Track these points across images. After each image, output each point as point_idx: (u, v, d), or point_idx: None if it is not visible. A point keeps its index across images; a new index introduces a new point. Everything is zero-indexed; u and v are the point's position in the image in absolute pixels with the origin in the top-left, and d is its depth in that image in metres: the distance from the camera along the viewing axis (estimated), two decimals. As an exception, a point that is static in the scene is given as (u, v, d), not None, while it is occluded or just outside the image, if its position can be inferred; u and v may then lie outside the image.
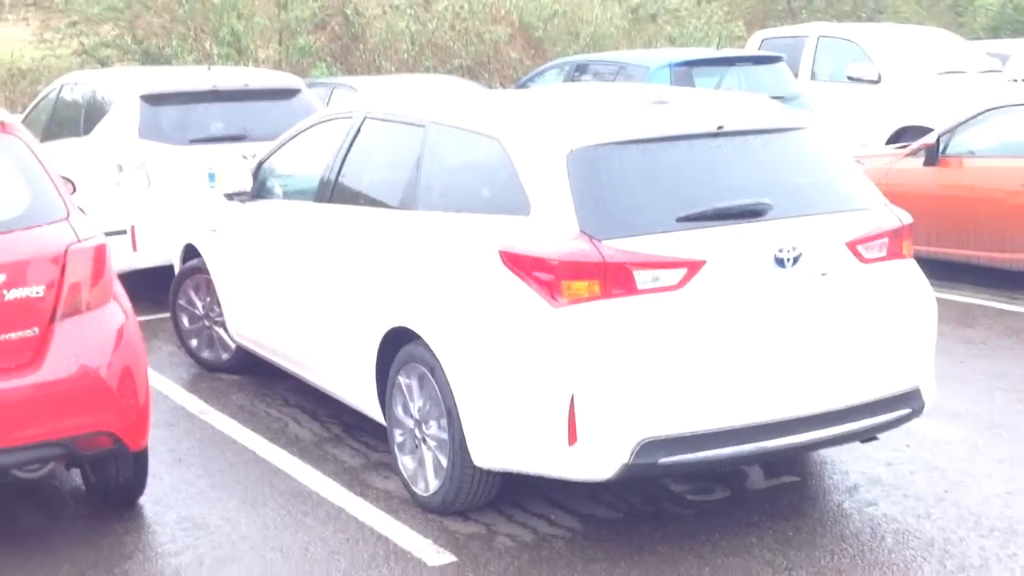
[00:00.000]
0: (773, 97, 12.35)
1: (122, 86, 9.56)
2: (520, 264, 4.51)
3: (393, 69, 16.40)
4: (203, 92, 9.47)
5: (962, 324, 8.24)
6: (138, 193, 9.07)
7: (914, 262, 5.08)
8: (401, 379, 5.15)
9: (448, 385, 4.80)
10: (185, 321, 7.56)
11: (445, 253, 4.94)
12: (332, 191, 5.90)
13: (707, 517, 5.00)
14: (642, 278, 4.40)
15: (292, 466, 5.72)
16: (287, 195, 6.43)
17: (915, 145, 9.91)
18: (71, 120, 10.15)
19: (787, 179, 4.89)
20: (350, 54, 16.73)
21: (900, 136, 12.88)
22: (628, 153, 4.69)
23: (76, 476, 5.42)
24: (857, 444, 5.63)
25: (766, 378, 4.52)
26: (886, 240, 4.86)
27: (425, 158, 5.29)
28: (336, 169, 5.91)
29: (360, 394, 5.58)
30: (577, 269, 4.37)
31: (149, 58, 15.57)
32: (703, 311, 4.45)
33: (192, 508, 5.25)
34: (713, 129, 4.81)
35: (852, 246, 4.74)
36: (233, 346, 7.19)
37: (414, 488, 5.16)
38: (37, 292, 4.67)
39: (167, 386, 7.15)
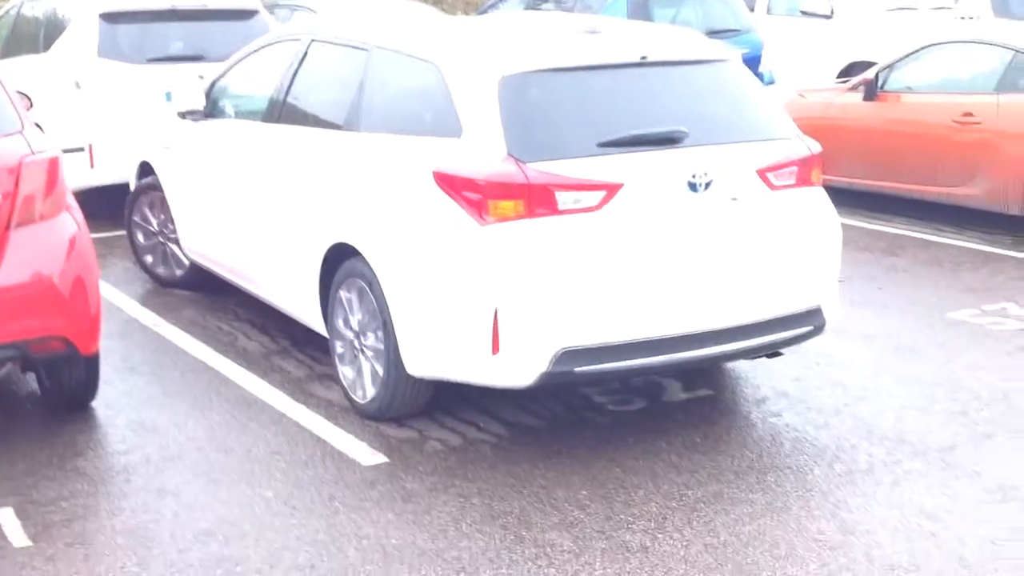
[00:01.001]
0: (725, 30, 12.77)
1: (81, 4, 9.69)
2: (451, 184, 4.80)
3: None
4: (162, 11, 9.63)
5: (888, 253, 8.62)
6: (96, 111, 9.25)
7: (822, 190, 5.40)
8: (342, 293, 5.45)
9: (384, 298, 5.11)
10: (140, 237, 7.81)
11: (384, 173, 5.22)
12: (280, 112, 6.15)
13: (623, 425, 5.37)
14: (564, 199, 4.71)
15: (240, 376, 6.03)
16: (238, 115, 6.67)
17: (855, 80, 10.22)
18: (31, 37, 10.29)
19: (704, 109, 5.19)
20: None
21: (851, 71, 13.15)
22: (556, 80, 4.98)
23: (32, 381, 5.70)
24: (770, 361, 6.04)
25: (677, 294, 4.86)
26: (795, 169, 5.18)
27: (368, 81, 5.55)
28: (284, 90, 6.16)
29: (304, 307, 5.88)
30: (503, 189, 4.67)
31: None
32: (620, 231, 4.77)
33: (142, 412, 5.56)
34: (637, 59, 5.10)
35: (762, 173, 5.07)
36: (187, 262, 7.45)
37: (353, 396, 5.49)
38: (-8, 201, 4.92)
39: (122, 300, 7.42)
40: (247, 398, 5.73)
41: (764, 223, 5.07)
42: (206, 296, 7.38)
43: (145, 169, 7.72)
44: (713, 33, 12.69)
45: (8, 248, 4.94)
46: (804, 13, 14.12)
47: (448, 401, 5.47)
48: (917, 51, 9.75)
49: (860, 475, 4.83)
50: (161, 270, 7.75)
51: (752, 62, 12.87)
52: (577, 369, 4.74)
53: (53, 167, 5.14)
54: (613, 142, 4.84)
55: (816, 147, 5.35)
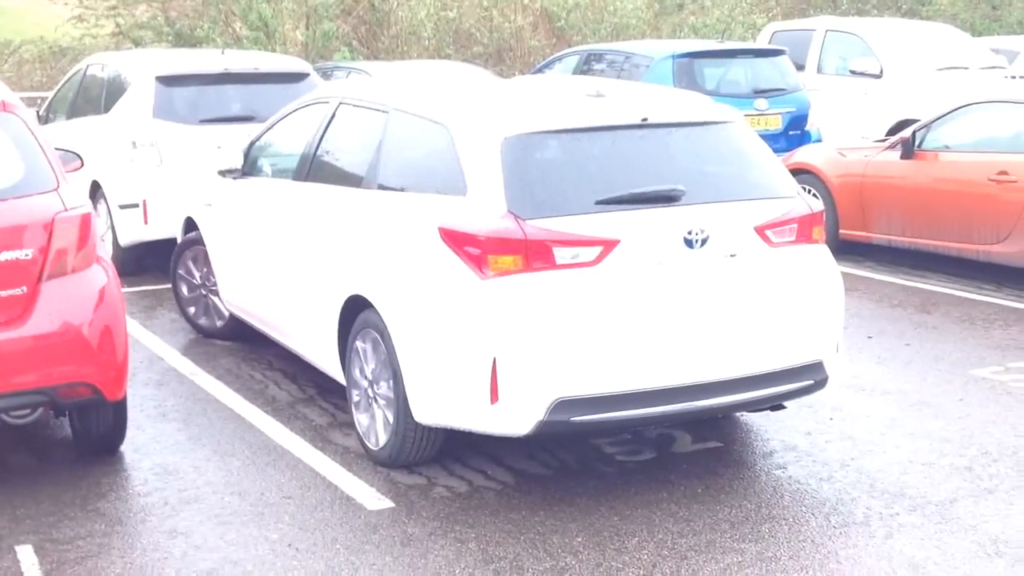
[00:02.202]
0: (771, 89, 12.89)
1: (139, 67, 10.14)
2: (454, 239, 5.00)
3: (415, 55, 16.91)
4: (215, 74, 10.02)
5: (921, 310, 8.63)
6: (150, 169, 9.65)
7: (824, 247, 5.51)
8: (358, 343, 5.66)
9: (394, 348, 5.30)
10: (184, 290, 8.12)
11: (396, 229, 5.44)
12: (308, 170, 6.42)
13: (628, 475, 5.48)
14: (561, 254, 4.88)
15: (264, 423, 6.25)
16: (272, 173, 6.95)
17: (893, 139, 10.28)
18: (94, 98, 10.75)
19: (704, 168, 5.34)
20: (375, 39, 17.26)
21: (900, 129, 13.20)
22: (557, 141, 5.18)
23: (66, 425, 5.97)
24: (782, 415, 6.13)
25: (673, 347, 4.99)
26: (795, 226, 5.29)
27: (385, 141, 5.80)
28: (313, 150, 6.43)
29: (325, 357, 6.10)
30: (502, 245, 4.85)
31: (181, 40, 16.18)
32: (617, 285, 4.93)
33: (167, 456, 5.79)
34: (638, 121, 5.28)
35: (760, 231, 5.19)
36: (227, 313, 7.73)
37: (367, 443, 5.67)
38: (26, 255, 5.22)
39: (164, 350, 7.71)
40: (268, 444, 5.94)
41: (763, 279, 5.19)
42: (244, 346, 7.64)
43: (190, 224, 8.04)
44: (760, 92, 12.84)
45: (40, 299, 5.22)
46: (854, 72, 14.21)
47: (460, 449, 5.63)
48: (954, 111, 9.80)
49: (855, 527, 4.89)
50: (203, 321, 8.04)
51: (799, 121, 12.99)
52: (573, 419, 4.88)
53: (85, 223, 5.43)
54: (611, 200, 5.01)
55: (817, 206, 5.47)
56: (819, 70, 14.93)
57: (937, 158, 9.81)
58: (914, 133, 9.91)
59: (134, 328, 8.27)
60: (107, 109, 10.29)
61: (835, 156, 10.69)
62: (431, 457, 5.51)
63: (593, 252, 4.90)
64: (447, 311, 5.03)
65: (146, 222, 9.70)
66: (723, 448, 5.83)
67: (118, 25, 16.20)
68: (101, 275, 5.51)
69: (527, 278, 4.86)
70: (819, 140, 12.96)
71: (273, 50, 16.19)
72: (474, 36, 17.36)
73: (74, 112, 11.10)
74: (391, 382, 5.38)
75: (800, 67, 14.78)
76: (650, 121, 5.28)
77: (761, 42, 15.77)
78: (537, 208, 4.95)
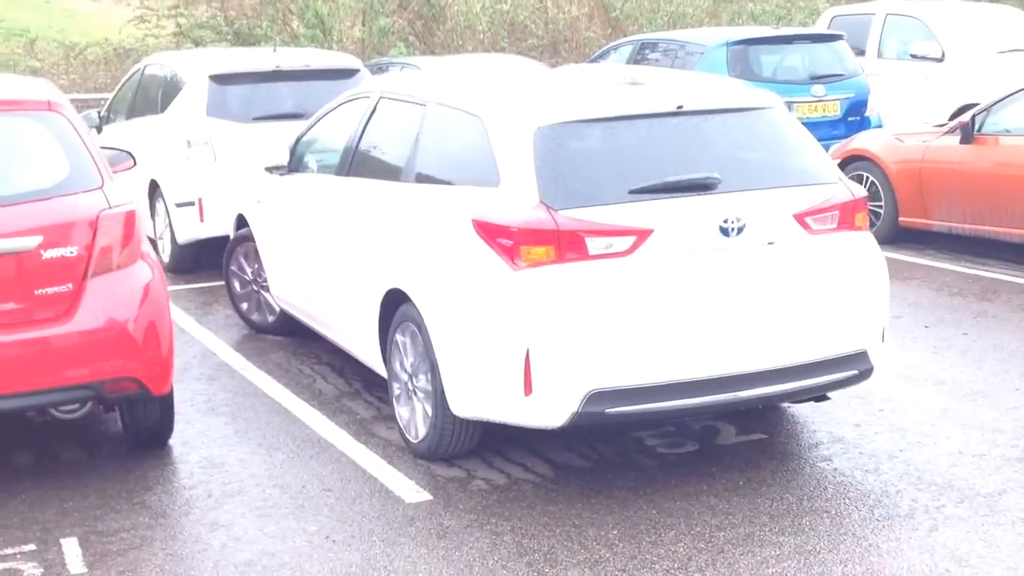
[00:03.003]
0: (829, 75, 12.70)
1: (193, 67, 10.25)
2: (487, 231, 4.99)
3: (470, 49, 16.93)
4: (267, 72, 10.10)
5: (980, 298, 8.45)
6: (205, 167, 9.76)
7: (868, 234, 5.40)
8: (398, 337, 5.68)
9: (431, 341, 5.31)
10: (236, 286, 8.20)
11: (432, 221, 5.44)
12: (350, 165, 6.45)
13: (670, 467, 5.43)
14: (594, 244, 4.84)
15: (310, 417, 6.30)
16: (317, 169, 6.99)
17: (952, 123, 10.07)
18: (151, 98, 10.90)
19: (741, 156, 5.27)
20: (431, 34, 17.31)
21: (962, 114, 12.95)
22: (590, 131, 5.14)
23: (118, 420, 6.06)
24: (830, 407, 6.04)
25: (709, 337, 4.93)
26: (836, 213, 5.20)
27: (422, 134, 5.80)
28: (354, 144, 6.46)
29: (367, 350, 6.12)
30: (534, 236, 4.83)
31: (240, 39, 16.37)
32: (651, 275, 4.88)
33: (213, 450, 5.86)
34: (673, 108, 5.22)
35: (800, 218, 5.11)
36: (277, 309, 7.80)
37: (407, 436, 5.69)
38: (72, 252, 5.30)
39: (218, 345, 7.80)
40: (313, 438, 5.97)
41: (802, 266, 5.11)
42: (294, 341, 7.70)
43: (241, 221, 8.11)
44: (817, 78, 12.67)
45: (85, 295, 5.30)
46: (914, 56, 13.95)
47: (499, 442, 5.62)
48: (1014, 93, 9.58)
49: (899, 520, 4.80)
50: (255, 316, 8.12)
51: (858, 107, 12.78)
52: (608, 410, 4.84)
53: (130, 220, 5.50)
54: (645, 189, 4.96)
55: (859, 192, 5.37)
56: (879, 55, 14.68)
57: (998, 142, 9.59)
58: (973, 117, 9.70)
59: (189, 324, 8.39)
60: (163, 108, 10.43)
61: (893, 142, 10.50)
62: (470, 450, 5.51)
63: (627, 242, 4.86)
64: (481, 303, 5.02)
65: (202, 220, 9.82)
66: (768, 440, 5.76)
67: (179, 25, 16.43)
68: (146, 271, 5.58)
69: (560, 269, 4.83)
70: (879, 126, 12.75)
71: (330, 47, 16.30)
72: (529, 28, 17.32)
73: (133, 112, 11.26)
74: (429, 375, 5.38)
75: (860, 52, 14.56)
76: (685, 109, 5.22)
77: (820, 27, 15.54)
78: (570, 198, 4.91)
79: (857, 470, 5.34)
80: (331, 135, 6.91)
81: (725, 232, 4.96)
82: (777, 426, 5.92)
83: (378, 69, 13.76)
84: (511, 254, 4.88)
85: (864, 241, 5.35)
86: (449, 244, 5.24)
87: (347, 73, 10.28)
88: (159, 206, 10.39)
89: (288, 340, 7.77)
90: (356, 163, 6.40)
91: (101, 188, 5.55)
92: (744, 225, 4.98)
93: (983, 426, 5.82)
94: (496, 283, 4.94)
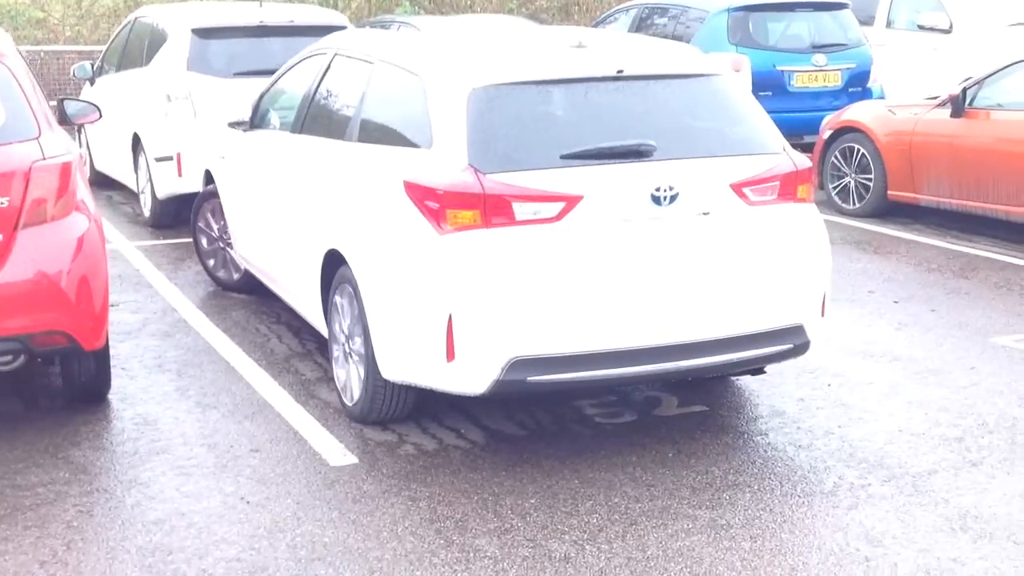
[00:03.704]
0: (830, 44, 12.47)
1: (177, 20, 10.17)
2: (416, 193, 4.90)
3: (479, 10, 16.75)
4: (250, 27, 10.01)
5: (958, 275, 8.30)
6: (184, 122, 9.69)
7: (811, 206, 5.27)
8: (337, 298, 5.61)
9: (363, 304, 5.24)
10: (204, 242, 8.15)
11: (369, 182, 5.35)
12: (303, 122, 6.36)
13: (603, 437, 5.36)
14: (521, 210, 4.74)
15: (256, 376, 6.24)
16: (275, 126, 6.90)
17: (944, 96, 9.86)
18: (138, 51, 10.83)
19: (681, 123, 5.14)
20: (439, -6, 17.17)
21: (967, 87, 12.71)
22: (526, 93, 5.02)
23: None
24: (778, 380, 5.96)
25: (638, 307, 4.83)
26: (776, 184, 5.07)
27: (368, 93, 5.70)
28: (308, 102, 6.37)
29: (311, 311, 6.06)
30: (460, 199, 4.73)
31: (245, -6, 16.21)
32: (579, 242, 4.78)
33: (151, 407, 5.81)
34: (613, 73, 5.09)
35: (737, 188, 4.99)
36: (243, 266, 7.74)
37: (344, 399, 5.63)
38: (2, 202, 5.25)
39: (181, 302, 7.76)
40: (253, 398, 5.92)
41: (739, 238, 4.99)
42: (257, 299, 7.65)
43: (209, 177, 8.06)
44: (818, 47, 12.46)
45: (15, 247, 5.25)
46: (922, 27, 13.70)
47: (439, 406, 5.55)
48: (1007, 67, 9.37)
49: (820, 497, 4.71)
50: (221, 274, 8.07)
51: (860, 77, 12.56)
52: (530, 379, 4.76)
53: (65, 171, 5.43)
54: (576, 154, 4.85)
55: (803, 162, 5.23)
56: (889, 24, 14.45)
57: (989, 116, 9.40)
58: (964, 90, 9.50)
59: (158, 279, 8.36)
60: (147, 62, 10.36)
61: (885, 114, 10.31)
62: (405, 414, 5.44)
63: (555, 208, 4.75)
64: (408, 266, 4.94)
65: (180, 175, 9.75)
66: (708, 412, 5.66)
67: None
68: (82, 223, 5.51)
69: (486, 234, 4.74)
70: (882, 97, 12.54)
71: (334, 5, 16.15)
72: (539, -11, 17.13)
73: (122, 64, 11.21)
74: (362, 338, 5.32)
75: (871, 21, 14.33)
76: (626, 73, 5.10)
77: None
78: (499, 162, 4.81)
79: (790, 445, 5.25)
80: (290, 92, 6.83)
81: (657, 200, 4.85)
82: (721, 398, 5.83)
83: (380, 27, 13.63)
84: (437, 217, 4.79)
85: (806, 213, 5.22)
86: (382, 206, 5.16)
87: (332, 30, 10.11)
88: (141, 160, 10.35)
89: (252, 298, 7.72)
90: (308, 121, 6.31)
91: (37, 139, 5.48)
92: (677, 194, 4.87)
93: (928, 404, 5.71)
94: (422, 247, 4.85)
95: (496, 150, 4.85)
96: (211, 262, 8.14)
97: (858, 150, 10.34)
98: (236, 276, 7.93)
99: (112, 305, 7.73)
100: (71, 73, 12.34)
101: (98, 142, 11.94)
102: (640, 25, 13.70)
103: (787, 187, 5.12)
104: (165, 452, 5.25)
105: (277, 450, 5.25)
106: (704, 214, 4.93)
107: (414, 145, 5.13)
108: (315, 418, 5.62)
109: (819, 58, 12.34)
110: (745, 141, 5.17)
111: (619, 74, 5.09)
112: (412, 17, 13.25)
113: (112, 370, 6.29)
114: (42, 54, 15.02)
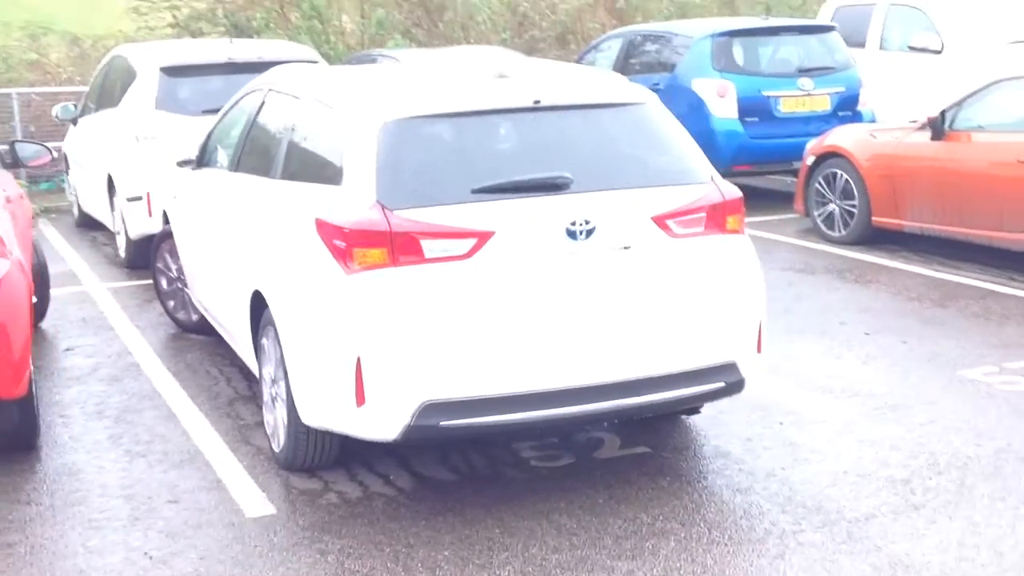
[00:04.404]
0: (817, 68, 12.25)
1: (145, 59, 10.09)
2: (325, 232, 4.73)
3: (472, 41, 16.64)
4: (219, 64, 9.91)
5: (937, 304, 8.04)
6: (153, 162, 9.58)
7: (743, 237, 5.06)
8: (264, 341, 5.44)
9: (281, 347, 5.06)
10: (163, 283, 8.01)
11: (286, 221, 5.19)
12: (238, 160, 6.23)
13: (536, 482, 5.14)
14: (430, 247, 4.56)
15: (194, 422, 6.07)
16: (218, 164, 6.78)
17: (924, 119, 9.62)
18: (112, 91, 10.77)
19: (600, 154, 4.95)
20: (434, 24, 17.05)
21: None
22: (440, 126, 4.86)
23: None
24: (729, 419, 5.76)
25: (554, 347, 4.63)
26: (703, 215, 4.87)
27: (294, 129, 5.56)
28: (243, 139, 6.24)
29: (246, 353, 5.90)
30: (366, 237, 4.56)
31: (238, 30, 16.18)
32: (492, 280, 4.59)
33: (79, 456, 5.65)
34: (530, 103, 4.91)
35: (660, 220, 4.78)
36: (198, 307, 7.60)
37: (272, 445, 5.45)
38: (-87, 249, 5.13)
39: (138, 344, 7.62)
40: (186, 446, 5.74)
41: (662, 272, 4.79)
42: (216, 341, 7.46)
43: (167, 217, 7.93)
44: (805, 71, 12.24)
45: (-72, 295, 5.13)
46: (913, 49, 13.46)
47: (372, 451, 5.36)
48: (986, 87, 9.14)
49: (747, 545, 4.47)
50: (181, 315, 7.93)
51: (849, 101, 12.33)
52: (443, 423, 4.56)
53: (-16, 218, 5.32)
54: (488, 188, 4.67)
55: (732, 193, 5.02)
56: (882, 46, 14.19)
57: (969, 139, 9.15)
58: (943, 113, 9.26)
59: (120, 321, 8.24)
60: (119, 101, 10.29)
61: (867, 138, 10.08)
62: (330, 461, 5.25)
63: (465, 245, 4.57)
64: (318, 308, 4.76)
65: (150, 215, 9.63)
66: (650, 454, 5.44)
67: (175, 17, 16.31)
68: (1, 268, 5.39)
69: (394, 272, 4.56)
70: (873, 121, 12.30)
71: (327, 39, 16.10)
72: (532, 19, 16.99)
73: (100, 104, 11.15)
74: (284, 381, 5.14)
75: (860, 44, 14.10)
76: (543, 103, 4.92)
77: (823, 17, 15.04)
78: (408, 198, 4.63)
79: (728, 488, 5.02)
80: (229, 129, 6.70)
81: (572, 235, 4.65)
82: (666, 439, 5.61)
83: (360, 61, 13.55)
84: (344, 257, 4.61)
85: (736, 245, 5.00)
86: (297, 246, 4.99)
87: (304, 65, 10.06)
88: (116, 201, 10.26)
89: (210, 339, 7.54)
90: (243, 158, 6.18)
91: (-45, 184, 5.37)
92: (594, 228, 4.67)
93: (880, 443, 5.46)
94: (330, 287, 4.68)
95: (405, 185, 4.68)
96: (171, 303, 8.00)
97: (841, 176, 10.11)
98: (195, 317, 7.77)
99: (67, 349, 7.64)
100: (53, 115, 12.29)
101: (80, 184, 11.89)
102: (628, 53, 13.54)
103: (715, 218, 4.91)
104: (80, 504, 5.08)
105: (196, 500, 5.07)
106: (625, 248, 4.73)
107: (329, 182, 4.96)
108: (244, 466, 5.44)
109: (806, 82, 12.12)
110: (669, 172, 4.97)
111: (536, 104, 4.91)
112: (397, 51, 13.14)
113: (51, 417, 6.18)
114: (34, 96, 15.01)
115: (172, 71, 9.81)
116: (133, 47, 11.31)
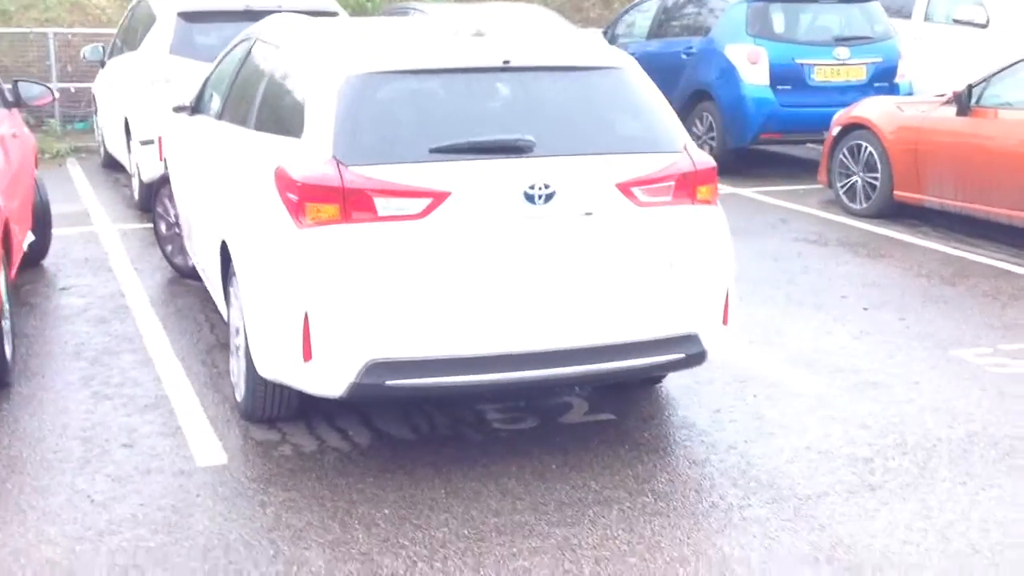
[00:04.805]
0: (854, 37, 11.94)
1: (165, 3, 10.07)
2: (281, 184, 4.67)
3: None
4: (237, 11, 9.85)
5: (946, 281, 7.85)
6: (166, 106, 9.57)
7: (714, 207, 4.92)
8: (231, 289, 5.41)
9: (240, 297, 5.03)
10: (162, 227, 8.02)
11: (250, 172, 5.13)
12: (223, 108, 6.18)
13: (494, 444, 5.08)
14: (384, 205, 4.48)
15: (168, 368, 6.07)
16: (209, 111, 6.73)
17: (951, 93, 9.35)
18: (134, 34, 10.78)
19: (567, 118, 4.82)
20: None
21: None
22: (404, 83, 4.76)
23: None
24: (705, 388, 5.68)
25: (507, 310, 4.54)
26: (671, 184, 4.74)
27: (270, 79, 5.49)
28: (229, 88, 6.18)
29: (220, 301, 5.88)
30: (318, 192, 4.49)
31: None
32: (445, 241, 4.50)
33: (47, 395, 5.66)
34: (499, 63, 4.80)
35: (625, 188, 4.66)
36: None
37: (235, 394, 5.44)
38: None
39: (133, 287, 7.65)
40: (153, 392, 5.74)
41: (624, 241, 4.66)
42: (208, 287, 7.50)
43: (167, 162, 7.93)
44: (842, 40, 11.96)
45: None
46: (957, 21, 13.10)
47: (336, 406, 5.31)
48: (1015, 64, 8.85)
49: (689, 518, 4.38)
50: (178, 260, 7.93)
51: (887, 72, 12.04)
52: (388, 382, 4.50)
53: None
54: (447, 148, 4.56)
55: (704, 162, 4.87)
56: (927, 18, 13.84)
57: (996, 115, 8.88)
58: (970, 88, 9.00)
59: (121, 264, 8.27)
60: (139, 45, 10.30)
61: (893, 110, 9.83)
62: (290, 413, 5.22)
63: (420, 204, 4.48)
64: (271, 260, 4.71)
65: (161, 158, 9.64)
66: (615, 421, 5.35)
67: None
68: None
69: (345, 229, 4.48)
70: (910, 93, 12.01)
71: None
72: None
73: (125, 47, 11.17)
74: (243, 331, 5.11)
75: (906, 15, 13.77)
76: (512, 64, 4.79)
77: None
78: (364, 154, 4.55)
79: (685, 460, 4.92)
80: (221, 77, 6.65)
81: (531, 199, 4.54)
82: (633, 407, 5.51)
83: (393, 14, 13.44)
84: (297, 211, 4.55)
85: (706, 215, 4.87)
86: (258, 197, 4.94)
87: (321, 15, 9.97)
88: (131, 143, 10.29)
89: (205, 286, 7.56)
90: (227, 107, 6.13)
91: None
92: (553, 192, 4.56)
93: (850, 421, 5.33)
94: (282, 240, 4.62)
95: (363, 142, 4.59)
96: (169, 248, 8.01)
97: (865, 148, 9.88)
98: (191, 262, 7.78)
99: (63, 289, 7.68)
100: (81, 55, 12.33)
101: (104, 125, 11.95)
102: (666, 15, 13.30)
103: (684, 188, 4.78)
104: (37, 443, 5.09)
105: (151, 446, 5.07)
106: (586, 214, 4.62)
107: (291, 134, 4.89)
108: (208, 415, 5.42)
109: (841, 51, 11.85)
110: (639, 139, 4.84)
111: (505, 65, 4.79)
112: (424, 4, 13.00)
113: (28, 356, 6.21)
114: (70, 36, 15.08)
115: (190, 16, 9.79)
116: (156, -10, 11.27)
